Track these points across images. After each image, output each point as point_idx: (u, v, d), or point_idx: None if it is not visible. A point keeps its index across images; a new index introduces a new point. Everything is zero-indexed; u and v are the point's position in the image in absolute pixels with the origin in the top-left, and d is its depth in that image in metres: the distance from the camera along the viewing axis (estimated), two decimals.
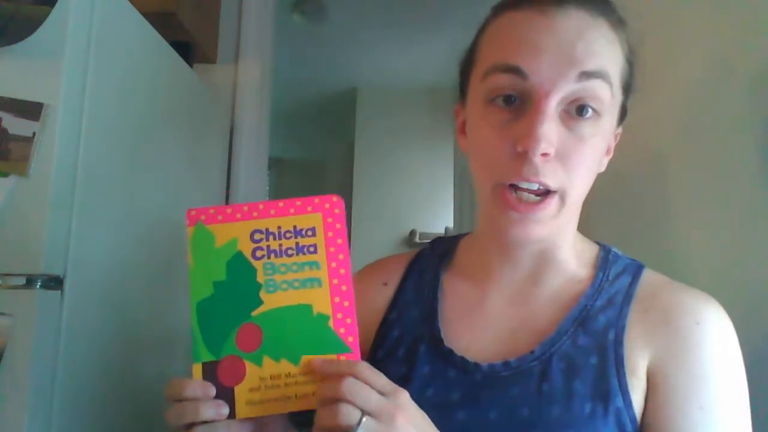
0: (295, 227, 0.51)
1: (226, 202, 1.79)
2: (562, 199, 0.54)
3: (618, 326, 0.56)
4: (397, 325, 0.65)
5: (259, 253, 0.51)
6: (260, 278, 0.50)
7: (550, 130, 0.52)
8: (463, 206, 2.36)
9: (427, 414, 0.52)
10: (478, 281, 0.64)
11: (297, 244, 0.51)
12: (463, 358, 0.59)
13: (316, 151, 5.33)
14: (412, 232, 3.61)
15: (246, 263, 0.51)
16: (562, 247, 0.61)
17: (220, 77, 1.86)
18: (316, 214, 0.52)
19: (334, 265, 0.51)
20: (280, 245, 0.51)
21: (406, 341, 0.63)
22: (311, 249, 0.51)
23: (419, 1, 2.64)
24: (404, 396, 0.48)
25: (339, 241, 0.51)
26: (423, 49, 3.18)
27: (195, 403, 0.47)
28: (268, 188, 2.49)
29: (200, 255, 0.51)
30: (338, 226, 0.51)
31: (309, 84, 3.73)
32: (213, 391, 0.48)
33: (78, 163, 0.95)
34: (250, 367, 0.49)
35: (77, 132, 0.95)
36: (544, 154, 0.52)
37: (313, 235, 0.51)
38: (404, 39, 3.06)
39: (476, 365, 0.58)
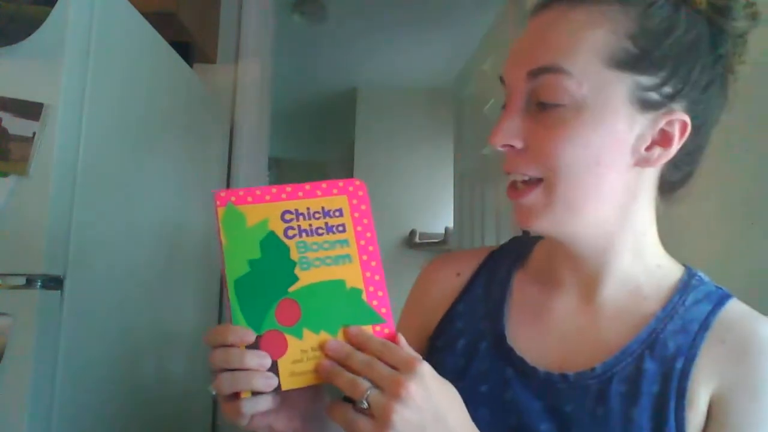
0: (323, 208, 0.54)
1: None
2: (549, 188, 0.55)
3: (688, 355, 0.54)
4: (462, 317, 0.66)
5: (290, 233, 0.53)
6: (294, 256, 0.53)
7: (507, 127, 0.55)
8: (463, 206, 2.36)
9: (479, 410, 0.54)
10: (545, 285, 0.64)
11: (326, 223, 0.54)
12: (522, 359, 0.59)
13: (316, 151, 5.33)
14: (412, 232, 3.62)
15: (279, 242, 0.53)
16: (616, 252, 0.59)
17: (220, 77, 1.87)
18: (341, 197, 0.54)
19: (362, 242, 0.53)
20: (310, 225, 0.53)
21: (468, 335, 0.64)
22: (340, 228, 0.54)
23: (419, 1, 2.64)
24: (421, 368, 0.47)
25: (365, 221, 0.54)
26: (423, 49, 3.18)
27: (249, 373, 0.48)
28: None
29: (233, 234, 0.53)
30: (363, 207, 0.54)
31: (309, 84, 3.73)
32: (269, 362, 0.49)
33: (78, 163, 0.95)
34: (291, 340, 0.51)
35: (77, 132, 0.95)
36: (507, 146, 0.56)
37: (341, 215, 0.54)
38: (404, 39, 3.06)
39: (534, 369, 0.58)
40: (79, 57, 0.95)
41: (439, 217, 3.61)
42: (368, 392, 0.46)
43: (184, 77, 1.47)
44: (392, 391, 0.46)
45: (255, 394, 0.49)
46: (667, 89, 0.53)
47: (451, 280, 0.70)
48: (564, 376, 0.56)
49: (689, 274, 0.60)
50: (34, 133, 0.87)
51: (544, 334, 0.61)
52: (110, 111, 1.06)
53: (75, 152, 0.94)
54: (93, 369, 1.02)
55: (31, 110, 0.87)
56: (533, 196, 0.55)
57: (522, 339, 0.61)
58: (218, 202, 0.54)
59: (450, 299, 0.68)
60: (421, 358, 0.49)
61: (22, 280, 0.85)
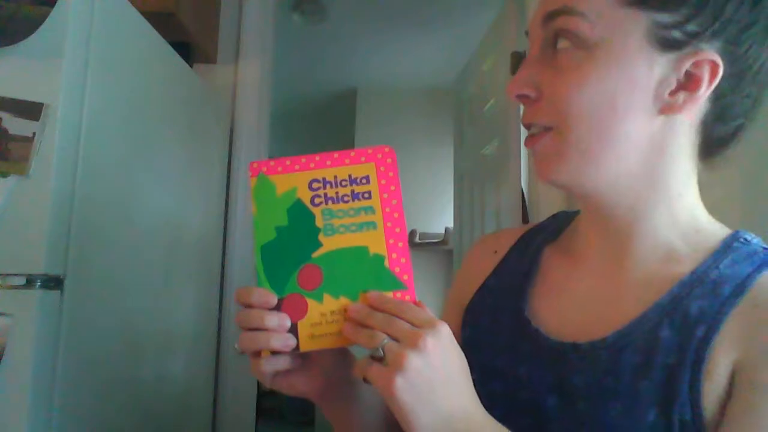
0: (350, 176, 0.55)
1: (226, 202, 1.79)
2: (560, 135, 0.53)
3: (713, 322, 0.48)
4: (492, 291, 0.66)
5: (317, 200, 0.54)
6: (319, 223, 0.54)
7: (522, 77, 0.54)
8: (463, 206, 2.36)
9: (493, 383, 0.55)
10: (572, 255, 0.62)
11: (352, 191, 0.54)
12: (537, 331, 0.57)
13: (316, 151, 5.32)
14: (412, 232, 3.61)
15: (305, 209, 0.54)
16: (646, 213, 0.54)
17: (220, 77, 1.87)
18: (369, 164, 0.55)
19: (387, 209, 0.54)
20: (337, 192, 0.54)
21: (494, 307, 0.64)
22: (366, 195, 0.54)
23: (419, 1, 2.64)
24: (442, 327, 0.47)
25: (392, 187, 0.55)
26: (423, 49, 3.18)
27: (267, 333, 0.50)
28: None
29: (262, 203, 0.55)
30: (391, 174, 0.55)
31: (309, 84, 3.73)
32: (288, 324, 0.50)
33: (78, 163, 0.95)
34: (311, 303, 0.52)
35: (77, 132, 0.95)
36: (521, 96, 0.55)
37: (368, 182, 0.55)
38: (404, 39, 3.06)
39: (546, 339, 0.56)
40: (79, 57, 0.95)
41: (439, 217, 3.61)
42: (385, 341, 0.46)
43: (184, 77, 1.47)
44: (409, 342, 0.45)
45: (275, 354, 0.51)
46: (692, 27, 0.49)
47: (489, 258, 0.70)
48: (575, 346, 0.53)
49: (734, 237, 0.54)
50: (34, 133, 0.87)
51: (566, 305, 0.58)
52: (110, 111, 1.06)
53: (75, 152, 0.94)
54: (93, 369, 1.02)
55: (31, 110, 0.87)
56: (545, 142, 0.54)
57: (543, 311, 0.59)
58: (251, 173, 0.56)
59: (484, 275, 0.68)
60: (442, 321, 0.48)
61: (22, 280, 0.85)
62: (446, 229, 3.52)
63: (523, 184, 1.77)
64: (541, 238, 0.67)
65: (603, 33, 0.50)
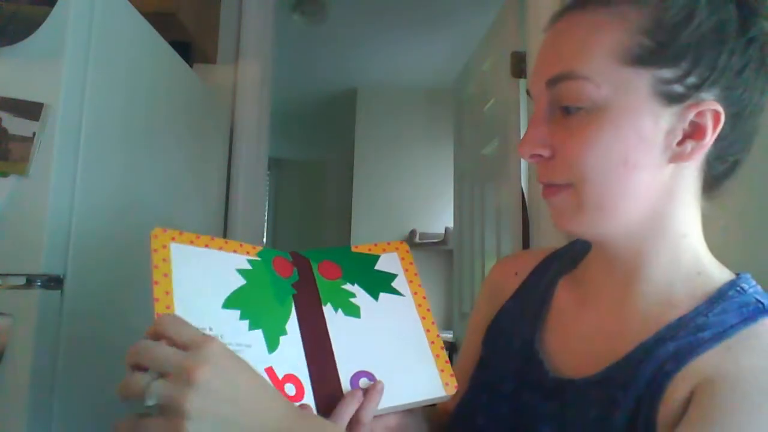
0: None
1: (226, 202, 1.79)
2: (577, 191, 0.55)
3: (683, 358, 0.50)
4: (509, 315, 0.69)
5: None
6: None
7: (533, 136, 0.56)
8: (463, 206, 2.36)
9: (501, 407, 0.58)
10: (583, 291, 0.64)
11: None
12: (541, 363, 0.60)
13: (316, 151, 5.33)
14: (412, 232, 3.62)
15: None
16: (650, 257, 0.57)
17: (220, 77, 1.86)
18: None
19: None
20: None
21: (509, 333, 0.67)
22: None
23: (419, 2, 2.65)
24: (210, 347, 0.44)
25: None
26: (423, 49, 3.18)
27: None
28: (268, 188, 2.49)
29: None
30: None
31: (309, 84, 3.73)
32: None
33: (78, 163, 0.95)
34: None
35: (77, 132, 0.95)
36: (535, 156, 0.57)
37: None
38: (404, 39, 3.06)
39: (547, 373, 0.59)
40: (79, 57, 0.95)
41: (439, 217, 3.62)
42: (153, 383, 0.42)
43: (184, 77, 1.47)
44: (182, 379, 0.41)
45: None
46: (692, 79, 0.51)
47: (510, 279, 0.73)
48: (571, 382, 0.57)
49: (731, 284, 0.55)
50: (34, 133, 0.87)
51: (571, 340, 0.62)
52: (110, 111, 1.06)
53: (75, 152, 0.94)
54: (93, 369, 1.02)
55: (31, 110, 0.87)
56: (563, 197, 0.56)
57: (551, 344, 0.63)
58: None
59: (505, 298, 0.71)
60: (208, 337, 0.45)
61: (22, 280, 0.85)
62: (446, 229, 3.52)
63: (523, 184, 1.77)
64: (558, 267, 0.69)
65: (608, 93, 0.52)
